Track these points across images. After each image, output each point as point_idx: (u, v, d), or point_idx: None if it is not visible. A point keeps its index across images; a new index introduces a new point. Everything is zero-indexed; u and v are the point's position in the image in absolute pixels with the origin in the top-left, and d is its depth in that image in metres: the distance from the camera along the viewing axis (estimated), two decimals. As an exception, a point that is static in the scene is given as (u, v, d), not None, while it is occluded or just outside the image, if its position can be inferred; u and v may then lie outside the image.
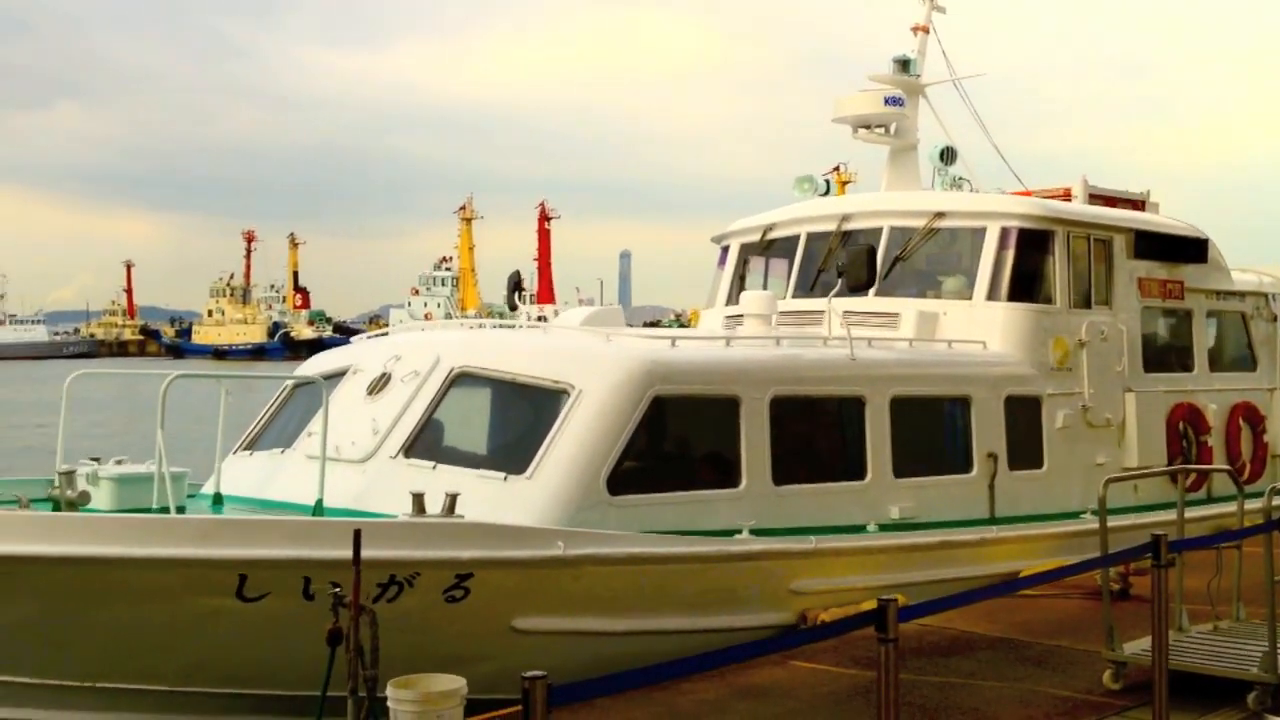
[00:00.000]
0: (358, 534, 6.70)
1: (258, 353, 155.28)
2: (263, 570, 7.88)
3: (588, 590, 9.08)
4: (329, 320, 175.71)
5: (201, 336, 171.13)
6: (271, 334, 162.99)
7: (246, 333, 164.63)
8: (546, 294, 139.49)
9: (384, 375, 10.53)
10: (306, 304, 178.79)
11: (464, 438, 10.57)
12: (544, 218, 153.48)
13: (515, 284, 14.12)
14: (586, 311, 12.28)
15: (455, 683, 6.85)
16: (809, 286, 13.84)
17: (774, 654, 8.74)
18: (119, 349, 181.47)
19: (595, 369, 9.86)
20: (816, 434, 11.39)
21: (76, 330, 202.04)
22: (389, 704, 6.62)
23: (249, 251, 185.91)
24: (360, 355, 11.23)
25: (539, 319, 12.91)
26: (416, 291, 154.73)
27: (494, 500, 9.17)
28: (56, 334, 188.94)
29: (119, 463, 9.76)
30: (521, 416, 10.38)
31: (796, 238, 14.26)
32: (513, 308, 13.84)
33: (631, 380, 9.74)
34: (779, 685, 8.61)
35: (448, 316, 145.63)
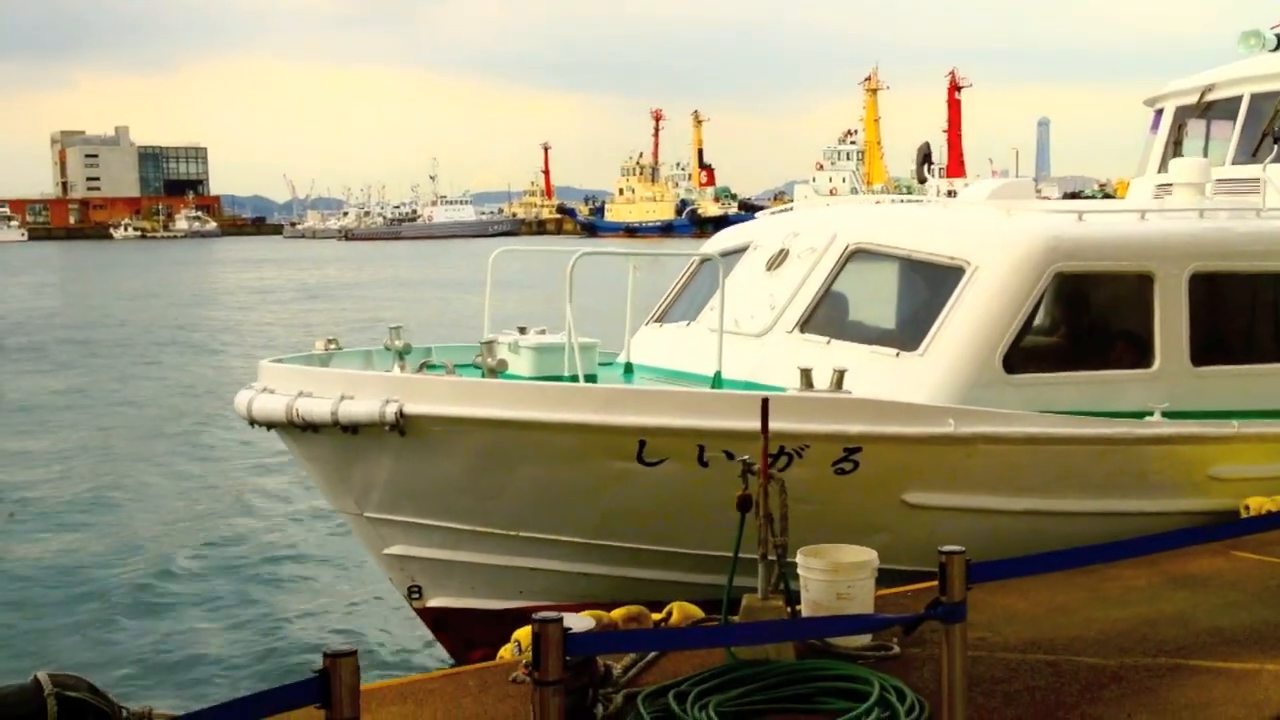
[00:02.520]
0: (765, 402, 6.84)
1: (666, 230, 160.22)
2: (660, 437, 8.32)
3: (983, 468, 8.97)
4: (734, 196, 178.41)
5: (613, 214, 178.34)
6: (679, 211, 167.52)
7: (655, 210, 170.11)
8: (956, 167, 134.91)
9: (782, 251, 10.68)
10: (711, 181, 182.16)
11: (859, 314, 10.57)
12: (954, 87, 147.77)
13: (924, 156, 13.78)
14: (994, 184, 11.80)
15: (866, 554, 6.86)
16: (1252, 152, 12.75)
17: (1213, 542, 8.34)
18: (538, 227, 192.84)
19: (993, 245, 9.58)
20: (1244, 312, 10.60)
21: (500, 210, 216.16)
22: (799, 571, 6.75)
23: (656, 130, 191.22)
24: (760, 231, 11.43)
25: (948, 194, 12.42)
26: (821, 166, 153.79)
27: (886, 376, 9.18)
28: (482, 214, 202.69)
29: (540, 333, 10.52)
30: (917, 293, 10.26)
31: (1239, 98, 13.13)
32: (922, 180, 13.55)
33: (1031, 256, 9.40)
34: (1219, 575, 8.21)
35: (853, 191, 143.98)
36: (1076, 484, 9.27)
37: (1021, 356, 9.33)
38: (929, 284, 9.92)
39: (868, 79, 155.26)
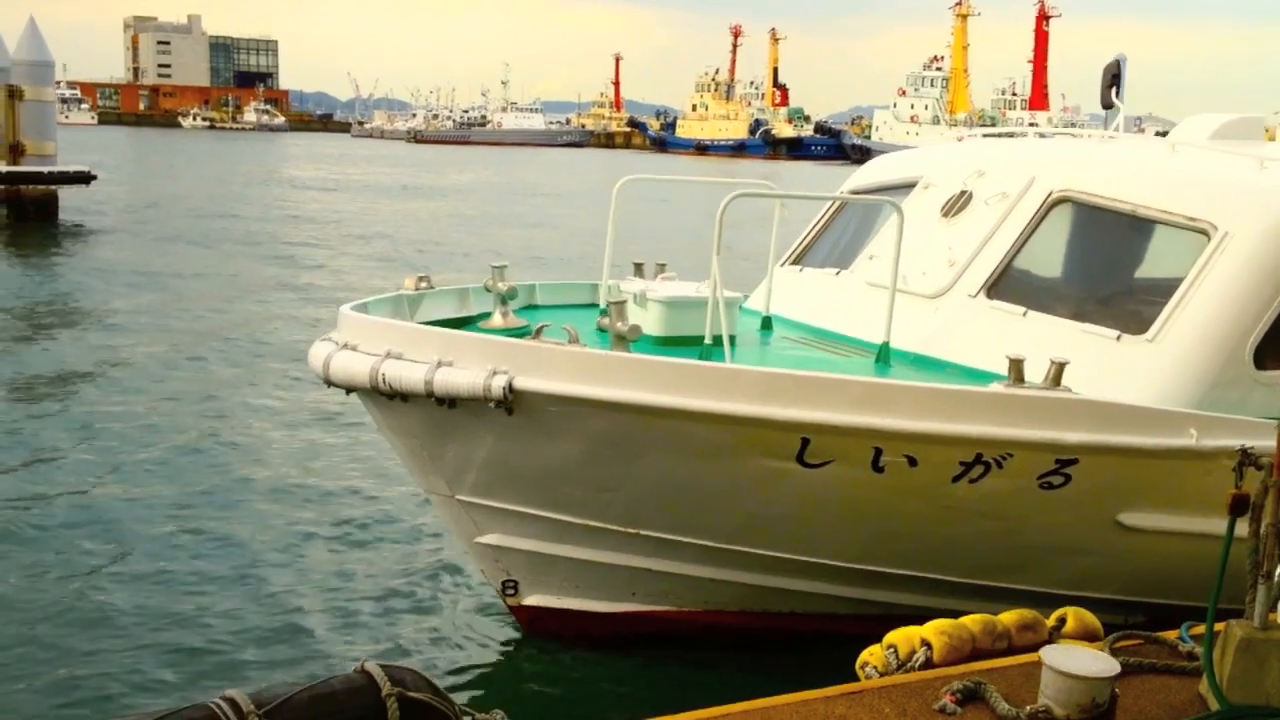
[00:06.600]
0: None
1: (738, 149, 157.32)
2: (828, 436, 6.55)
3: (1220, 486, 7.14)
4: (807, 118, 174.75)
5: (685, 131, 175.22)
6: (752, 131, 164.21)
7: (728, 129, 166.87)
8: (1039, 100, 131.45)
9: (963, 194, 8.81)
10: (785, 101, 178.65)
11: (1065, 280, 8.70)
12: (1043, 17, 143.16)
13: (1114, 77, 11.46)
14: (1218, 121, 9.69)
15: None
16: None
17: None
18: (607, 140, 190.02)
19: (1248, 206, 7.63)
20: None
21: (568, 120, 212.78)
22: None
23: (734, 47, 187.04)
24: (932, 166, 9.52)
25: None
26: (903, 92, 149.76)
27: (1102, 364, 7.34)
28: (551, 124, 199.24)
29: (662, 268, 8.98)
30: (1143, 260, 8.37)
31: None
32: (1107, 106, 11.19)
33: None
34: None
35: (935, 120, 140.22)
36: None
37: (1277, 350, 7.46)
38: (1160, 250, 8.02)
39: (959, 3, 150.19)
